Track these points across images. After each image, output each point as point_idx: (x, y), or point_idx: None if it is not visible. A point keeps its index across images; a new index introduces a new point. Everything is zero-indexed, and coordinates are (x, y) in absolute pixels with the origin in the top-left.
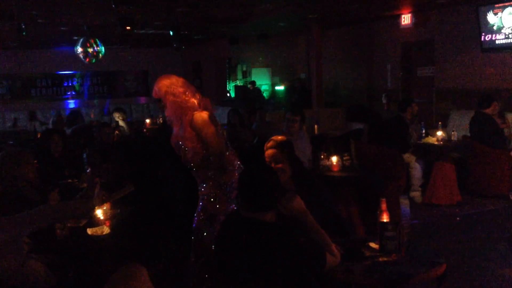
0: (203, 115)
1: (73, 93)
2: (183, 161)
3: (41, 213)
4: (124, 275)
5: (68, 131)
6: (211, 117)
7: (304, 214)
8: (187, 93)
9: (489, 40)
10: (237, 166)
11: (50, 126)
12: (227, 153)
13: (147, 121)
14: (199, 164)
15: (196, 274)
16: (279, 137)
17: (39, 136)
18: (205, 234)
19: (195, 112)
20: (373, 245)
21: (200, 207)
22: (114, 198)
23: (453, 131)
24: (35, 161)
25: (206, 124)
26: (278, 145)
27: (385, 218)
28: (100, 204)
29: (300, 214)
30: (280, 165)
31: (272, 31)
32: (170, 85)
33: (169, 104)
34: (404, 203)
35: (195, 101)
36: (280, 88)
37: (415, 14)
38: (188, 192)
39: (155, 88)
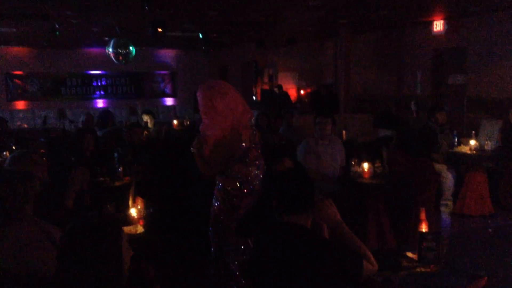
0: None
1: (102, 92)
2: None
3: None
4: None
5: (100, 133)
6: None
7: (339, 224)
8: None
9: None
10: (251, 176)
11: (80, 125)
12: (242, 164)
13: (174, 122)
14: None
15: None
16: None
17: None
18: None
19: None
20: (410, 255)
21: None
22: None
23: (486, 140)
24: (45, 159)
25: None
26: None
27: (424, 228)
28: None
29: (335, 224)
30: None
31: (300, 35)
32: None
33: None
34: (445, 212)
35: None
36: (306, 92)
37: (447, 21)
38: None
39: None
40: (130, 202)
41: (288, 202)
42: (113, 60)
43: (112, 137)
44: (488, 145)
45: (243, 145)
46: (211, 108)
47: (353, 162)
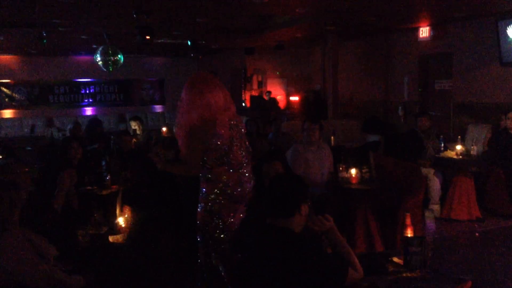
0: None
1: (90, 100)
2: None
3: None
4: None
5: (89, 148)
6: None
7: (331, 229)
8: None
9: (508, 54)
10: (234, 181)
11: (68, 133)
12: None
13: (164, 129)
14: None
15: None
16: None
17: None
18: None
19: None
20: (396, 260)
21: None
22: None
23: (472, 145)
24: (26, 169)
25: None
26: None
27: (409, 233)
28: None
29: (327, 229)
30: None
31: (288, 42)
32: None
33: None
34: (430, 217)
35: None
36: (294, 98)
37: (433, 27)
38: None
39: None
40: (118, 211)
41: (274, 205)
42: (101, 68)
43: (100, 147)
44: (474, 150)
45: (218, 134)
46: (191, 89)
47: (341, 168)
